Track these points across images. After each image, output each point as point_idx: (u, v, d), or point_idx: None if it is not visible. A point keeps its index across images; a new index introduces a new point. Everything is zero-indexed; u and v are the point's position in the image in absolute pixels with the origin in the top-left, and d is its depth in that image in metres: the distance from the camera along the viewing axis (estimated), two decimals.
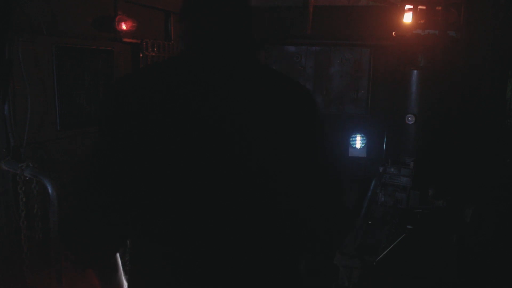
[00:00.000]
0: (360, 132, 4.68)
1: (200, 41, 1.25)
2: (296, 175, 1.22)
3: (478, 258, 3.23)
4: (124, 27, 3.11)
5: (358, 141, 4.70)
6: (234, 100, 1.20)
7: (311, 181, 1.25)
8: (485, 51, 3.67)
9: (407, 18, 3.70)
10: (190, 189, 1.17)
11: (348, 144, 4.72)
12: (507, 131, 3.89)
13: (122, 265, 1.34)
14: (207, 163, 1.16)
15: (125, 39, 3.24)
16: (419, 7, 3.63)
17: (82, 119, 3.01)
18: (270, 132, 1.20)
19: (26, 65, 2.53)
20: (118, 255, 1.32)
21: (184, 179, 1.17)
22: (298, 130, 1.25)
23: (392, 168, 3.61)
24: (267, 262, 1.23)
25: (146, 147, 1.16)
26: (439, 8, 3.53)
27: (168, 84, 1.20)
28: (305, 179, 1.24)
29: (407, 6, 3.69)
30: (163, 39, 3.79)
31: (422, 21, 3.62)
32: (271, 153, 1.20)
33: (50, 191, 2.37)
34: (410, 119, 3.59)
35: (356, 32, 4.54)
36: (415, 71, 3.59)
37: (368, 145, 4.67)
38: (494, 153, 3.69)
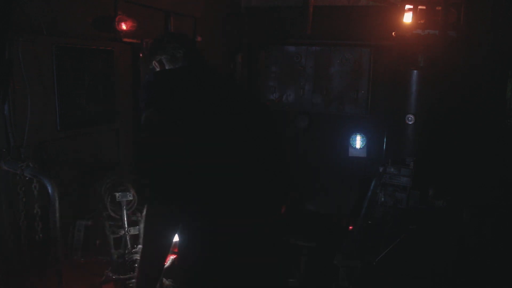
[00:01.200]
0: (360, 132, 4.68)
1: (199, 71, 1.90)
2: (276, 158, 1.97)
3: (478, 258, 3.23)
4: (124, 27, 3.11)
5: (358, 141, 4.70)
6: (246, 114, 1.87)
7: (280, 160, 1.99)
8: (485, 51, 3.66)
9: (407, 18, 3.70)
10: (232, 176, 1.72)
11: (348, 144, 4.72)
12: (507, 131, 3.89)
13: None
14: (238, 157, 1.75)
15: (125, 39, 3.24)
16: (419, 7, 3.63)
17: (82, 119, 3.01)
18: (262, 132, 1.90)
19: (26, 65, 2.52)
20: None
21: (227, 170, 1.71)
22: (271, 129, 1.99)
23: (392, 168, 3.61)
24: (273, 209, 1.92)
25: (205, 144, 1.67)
26: (439, 8, 3.53)
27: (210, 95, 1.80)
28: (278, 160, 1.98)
29: (407, 6, 3.69)
30: None
31: (422, 21, 3.62)
32: (265, 146, 1.89)
33: (50, 191, 2.37)
34: (410, 119, 3.59)
35: (356, 32, 4.54)
36: (415, 71, 3.59)
37: (368, 145, 4.67)
38: (494, 153, 3.69)
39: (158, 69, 1.95)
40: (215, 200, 1.69)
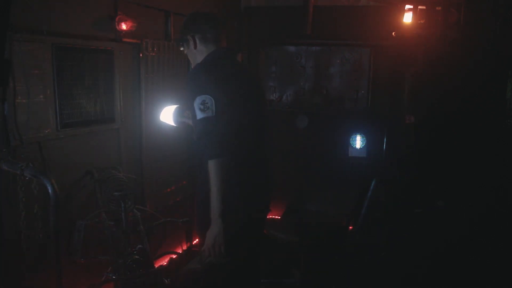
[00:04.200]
0: (360, 132, 4.68)
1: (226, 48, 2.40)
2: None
3: (478, 258, 3.23)
4: (124, 27, 3.11)
5: (358, 141, 4.70)
6: (253, 77, 2.62)
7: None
8: (485, 51, 3.66)
9: (407, 18, 3.70)
10: (252, 121, 2.31)
11: (348, 144, 4.72)
12: (507, 131, 3.89)
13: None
14: (256, 108, 2.38)
15: (125, 39, 3.24)
16: (419, 7, 3.63)
17: (82, 119, 3.01)
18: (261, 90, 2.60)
19: (26, 65, 2.52)
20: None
21: (252, 121, 2.31)
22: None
23: (392, 168, 3.61)
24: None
25: (240, 108, 2.23)
26: (439, 8, 3.53)
27: (234, 71, 2.35)
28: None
29: (407, 6, 3.69)
30: (163, 39, 3.78)
31: (422, 21, 3.62)
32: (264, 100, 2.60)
33: (50, 191, 2.36)
34: (410, 119, 3.60)
35: (356, 32, 4.54)
36: (415, 71, 3.59)
37: (368, 145, 4.67)
38: (494, 153, 3.69)
39: (191, 43, 2.33)
40: (243, 140, 2.24)
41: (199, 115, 2.12)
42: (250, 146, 2.32)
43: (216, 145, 2.09)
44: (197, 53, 2.34)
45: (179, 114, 2.84)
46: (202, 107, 2.10)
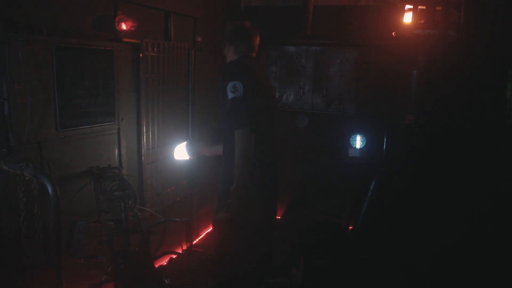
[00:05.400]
0: (360, 132, 4.68)
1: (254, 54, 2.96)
2: None
3: (478, 258, 3.24)
4: (124, 27, 3.11)
5: (358, 141, 4.70)
6: (268, 81, 3.38)
7: None
8: (485, 51, 3.66)
9: (407, 18, 3.70)
10: (269, 114, 2.91)
11: (348, 144, 4.72)
12: (507, 131, 3.88)
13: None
14: (272, 104, 3.00)
15: (125, 39, 3.24)
16: (419, 7, 3.63)
17: (82, 119, 3.01)
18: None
19: (26, 65, 2.52)
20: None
21: (266, 110, 2.87)
22: None
23: (392, 168, 3.61)
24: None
25: (259, 97, 2.74)
26: (439, 8, 3.53)
27: (256, 72, 2.84)
28: None
29: (407, 6, 3.69)
30: (163, 39, 3.78)
31: (422, 21, 3.62)
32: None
33: (50, 191, 2.36)
34: (410, 119, 3.60)
35: (356, 32, 4.54)
36: (415, 71, 3.59)
37: (368, 145, 4.67)
38: (494, 153, 3.69)
39: (227, 49, 2.92)
40: (261, 123, 2.78)
41: (230, 95, 2.61)
42: (266, 132, 2.84)
43: (241, 119, 2.59)
44: (230, 57, 2.92)
45: (192, 145, 3.33)
46: (233, 89, 2.61)
